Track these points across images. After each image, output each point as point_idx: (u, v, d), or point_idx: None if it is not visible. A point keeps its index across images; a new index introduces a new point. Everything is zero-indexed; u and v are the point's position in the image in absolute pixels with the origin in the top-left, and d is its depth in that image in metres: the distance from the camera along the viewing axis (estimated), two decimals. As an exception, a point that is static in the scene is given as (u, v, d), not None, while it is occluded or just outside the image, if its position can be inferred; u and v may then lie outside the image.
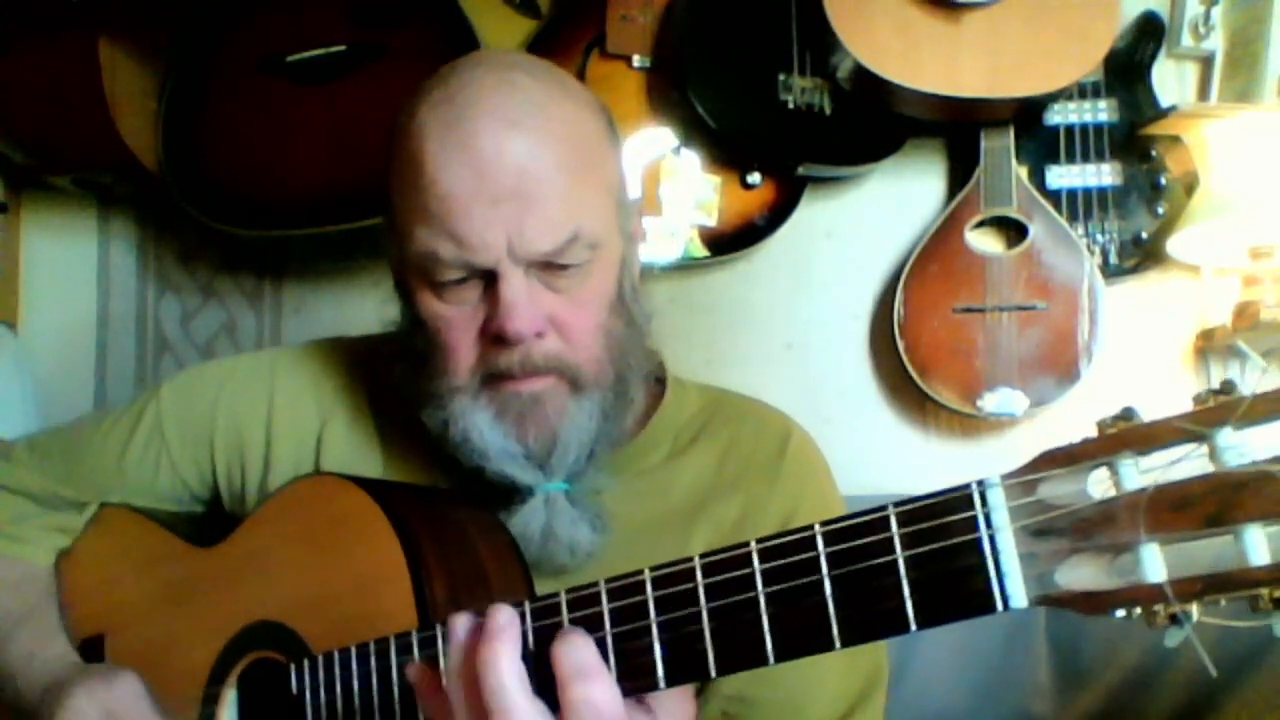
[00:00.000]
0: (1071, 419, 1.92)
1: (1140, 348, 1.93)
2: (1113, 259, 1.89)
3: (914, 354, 1.85)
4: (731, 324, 2.00)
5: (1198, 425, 0.49)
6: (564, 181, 0.82)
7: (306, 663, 0.82)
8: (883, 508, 0.57)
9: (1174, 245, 1.84)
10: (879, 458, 1.94)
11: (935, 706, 1.64)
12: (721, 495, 0.95)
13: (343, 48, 1.82)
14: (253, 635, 0.89)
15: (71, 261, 2.10)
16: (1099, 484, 0.52)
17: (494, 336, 0.83)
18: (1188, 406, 0.50)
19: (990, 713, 1.68)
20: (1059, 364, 1.83)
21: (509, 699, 0.62)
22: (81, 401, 2.07)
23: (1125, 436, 0.51)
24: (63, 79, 1.78)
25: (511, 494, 0.89)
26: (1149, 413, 0.51)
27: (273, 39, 1.85)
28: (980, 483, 0.54)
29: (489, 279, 0.83)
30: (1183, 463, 0.50)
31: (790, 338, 2.01)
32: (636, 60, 1.91)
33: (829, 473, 1.01)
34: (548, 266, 0.83)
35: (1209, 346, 1.91)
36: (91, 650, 1.02)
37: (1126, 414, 0.52)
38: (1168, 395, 1.93)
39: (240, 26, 1.88)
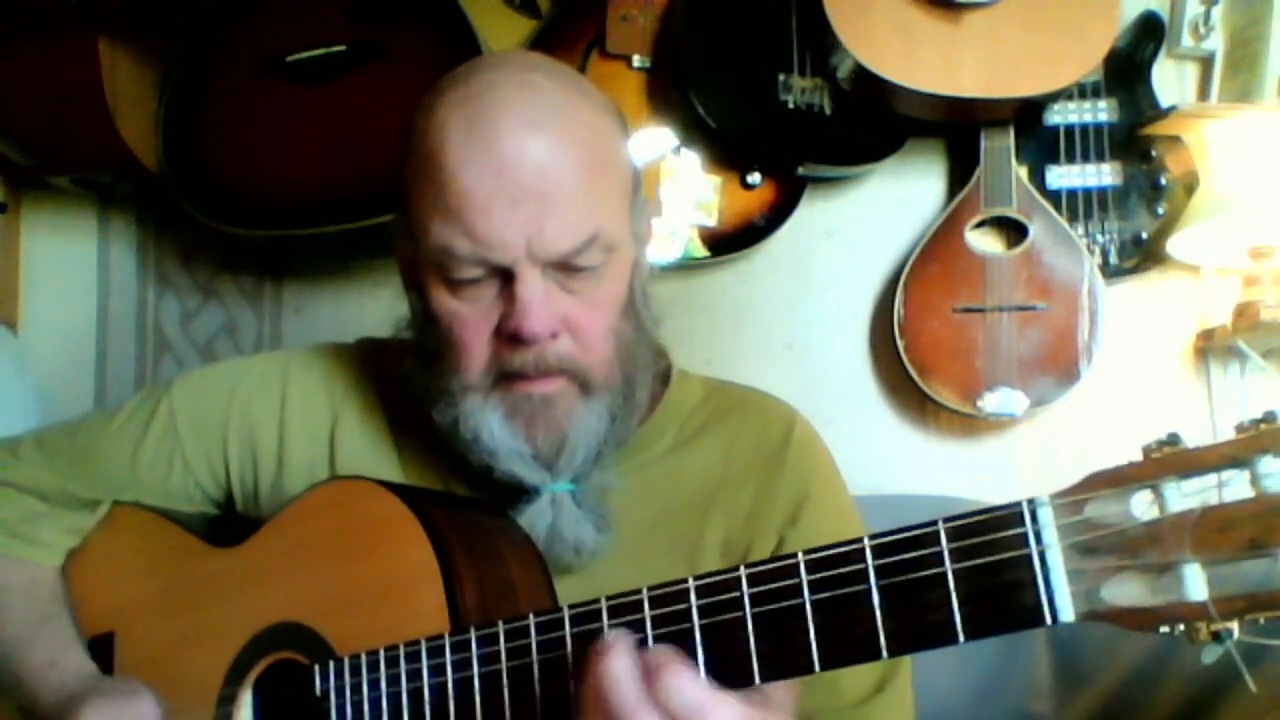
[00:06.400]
0: (1072, 419, 1.92)
1: (1140, 348, 1.93)
2: (1113, 259, 1.89)
3: (914, 354, 1.85)
4: (731, 324, 2.00)
5: (1240, 452, 0.51)
6: (583, 184, 0.83)
7: (332, 664, 0.82)
8: (932, 522, 0.59)
9: (1174, 245, 1.84)
10: (879, 458, 1.93)
11: (935, 706, 1.63)
12: (732, 485, 0.97)
13: (342, 48, 1.82)
14: (273, 636, 0.88)
15: (71, 261, 2.09)
16: (1142, 505, 0.54)
17: (509, 336, 0.84)
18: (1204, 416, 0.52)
19: (990, 713, 1.67)
20: (1059, 364, 1.83)
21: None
22: (81, 401, 2.06)
23: (1170, 461, 0.54)
24: (63, 79, 1.78)
25: (518, 493, 0.90)
26: (1193, 439, 0.53)
27: (272, 39, 1.84)
28: (1030, 501, 0.56)
29: (505, 278, 0.84)
30: (1225, 488, 0.52)
31: (790, 338, 2.01)
32: (636, 60, 1.90)
33: (832, 460, 1.03)
34: (564, 268, 0.84)
35: (1209, 346, 1.91)
36: (101, 648, 1.01)
37: (1172, 439, 0.54)
38: (1168, 395, 1.94)
39: (240, 26, 1.87)
